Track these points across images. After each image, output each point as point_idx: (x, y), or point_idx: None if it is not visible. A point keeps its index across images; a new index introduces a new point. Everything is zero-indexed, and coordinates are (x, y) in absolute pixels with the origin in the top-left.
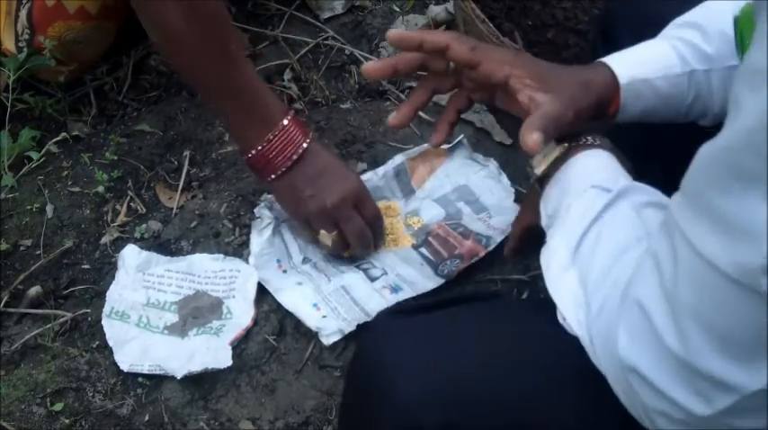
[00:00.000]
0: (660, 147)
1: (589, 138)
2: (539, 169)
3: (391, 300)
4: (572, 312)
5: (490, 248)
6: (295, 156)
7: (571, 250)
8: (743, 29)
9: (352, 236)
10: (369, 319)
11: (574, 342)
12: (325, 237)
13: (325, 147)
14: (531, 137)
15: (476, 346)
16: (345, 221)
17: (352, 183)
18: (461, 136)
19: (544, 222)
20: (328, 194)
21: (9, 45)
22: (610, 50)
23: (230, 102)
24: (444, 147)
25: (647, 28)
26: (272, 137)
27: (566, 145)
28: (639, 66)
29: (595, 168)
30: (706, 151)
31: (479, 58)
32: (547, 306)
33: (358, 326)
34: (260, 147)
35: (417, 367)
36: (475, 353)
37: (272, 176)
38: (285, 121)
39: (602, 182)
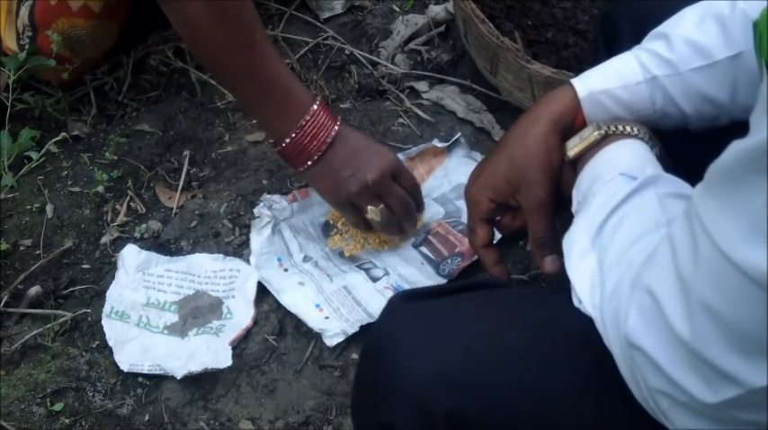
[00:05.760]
0: (697, 140)
1: (627, 127)
2: (571, 152)
3: None
4: (588, 295)
5: None
6: (329, 140)
7: (592, 235)
8: (761, 32)
9: (398, 206)
10: (371, 321)
11: (587, 330)
12: (374, 212)
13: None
14: (545, 266)
15: (488, 333)
16: (388, 194)
17: (388, 157)
18: (458, 134)
19: (574, 208)
20: (368, 170)
21: (10, 43)
22: (610, 50)
23: (260, 92)
24: (442, 145)
25: (648, 27)
26: (304, 122)
27: (602, 131)
28: (600, 78)
29: (626, 157)
30: (740, 146)
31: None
32: (560, 293)
33: (361, 327)
34: (294, 135)
35: (430, 352)
36: (487, 340)
37: (309, 163)
38: (315, 107)
39: (631, 170)
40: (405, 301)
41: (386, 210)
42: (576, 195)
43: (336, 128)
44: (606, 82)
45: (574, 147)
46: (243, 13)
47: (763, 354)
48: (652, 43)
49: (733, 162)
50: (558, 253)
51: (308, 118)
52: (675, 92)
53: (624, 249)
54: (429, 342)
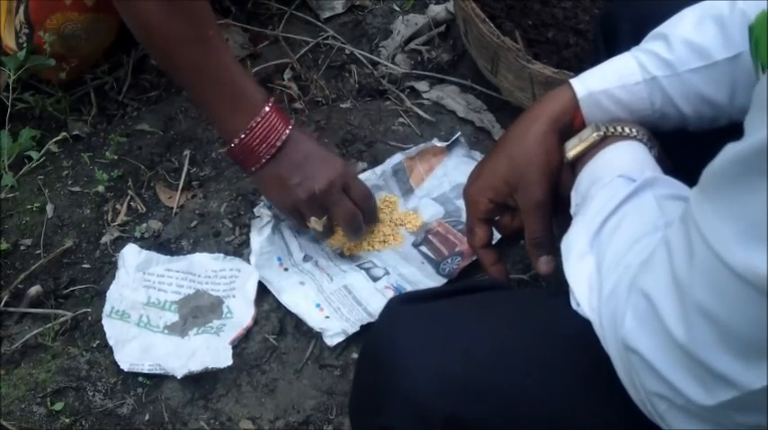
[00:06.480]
0: (696, 142)
1: (626, 128)
2: (570, 153)
3: None
4: (586, 298)
5: None
6: (279, 143)
7: (590, 237)
8: (758, 35)
9: (342, 219)
10: (372, 320)
11: (585, 333)
12: (316, 223)
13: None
14: (540, 267)
15: (488, 336)
16: (334, 205)
17: (338, 167)
18: (458, 134)
19: (573, 209)
20: (317, 180)
21: (10, 42)
22: (611, 50)
23: (210, 90)
24: (442, 145)
25: (648, 27)
26: (254, 124)
27: (601, 132)
28: (599, 78)
29: (625, 159)
30: (735, 149)
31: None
32: (559, 296)
33: (361, 327)
34: (243, 136)
35: (429, 354)
36: (487, 342)
37: (257, 166)
38: (266, 109)
39: (629, 172)
40: (404, 304)
41: (329, 223)
42: (574, 197)
43: (288, 132)
44: (605, 82)
45: (573, 148)
46: (193, 9)
47: (760, 357)
48: (651, 44)
49: (728, 165)
50: (554, 254)
51: (258, 119)
52: (674, 92)
53: (622, 251)
54: (429, 344)
